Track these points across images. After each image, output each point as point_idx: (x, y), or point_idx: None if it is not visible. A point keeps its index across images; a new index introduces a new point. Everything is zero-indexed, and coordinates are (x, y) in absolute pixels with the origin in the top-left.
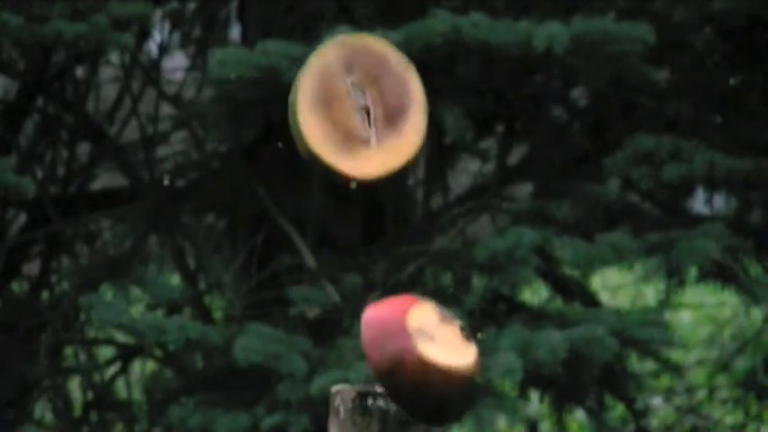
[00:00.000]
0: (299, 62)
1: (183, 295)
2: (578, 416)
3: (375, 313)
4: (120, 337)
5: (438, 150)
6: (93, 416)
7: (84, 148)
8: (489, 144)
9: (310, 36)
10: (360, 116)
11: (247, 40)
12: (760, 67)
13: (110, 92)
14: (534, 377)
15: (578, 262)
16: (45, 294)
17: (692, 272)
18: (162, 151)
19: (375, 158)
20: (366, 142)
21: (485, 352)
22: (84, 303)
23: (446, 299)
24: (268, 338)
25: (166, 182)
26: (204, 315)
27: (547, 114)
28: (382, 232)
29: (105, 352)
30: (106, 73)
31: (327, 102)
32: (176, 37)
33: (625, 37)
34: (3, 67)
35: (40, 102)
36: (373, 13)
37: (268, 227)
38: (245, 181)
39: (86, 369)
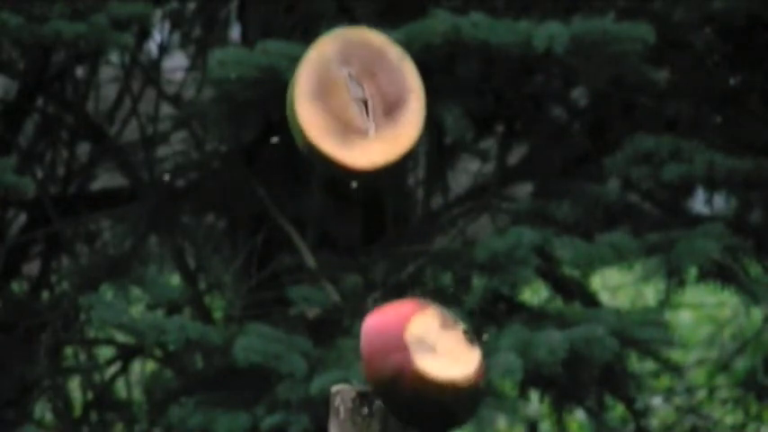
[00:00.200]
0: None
1: (183, 295)
2: (578, 416)
3: (374, 324)
4: (120, 337)
5: (438, 150)
6: (93, 416)
7: (84, 148)
8: (489, 144)
9: (310, 36)
10: (358, 108)
11: (247, 40)
12: (760, 67)
13: (110, 92)
14: (534, 377)
15: (578, 262)
16: (45, 294)
17: (692, 272)
18: (162, 151)
19: (373, 149)
20: (364, 133)
21: (486, 352)
22: (84, 303)
23: (446, 299)
24: (268, 338)
25: (166, 178)
26: (204, 315)
27: (547, 114)
28: (382, 232)
29: (105, 352)
30: (106, 73)
31: (325, 94)
32: (176, 37)
33: (625, 37)
34: (3, 67)
35: (40, 102)
36: (373, 13)
37: (268, 227)
38: (245, 181)
39: (86, 369)
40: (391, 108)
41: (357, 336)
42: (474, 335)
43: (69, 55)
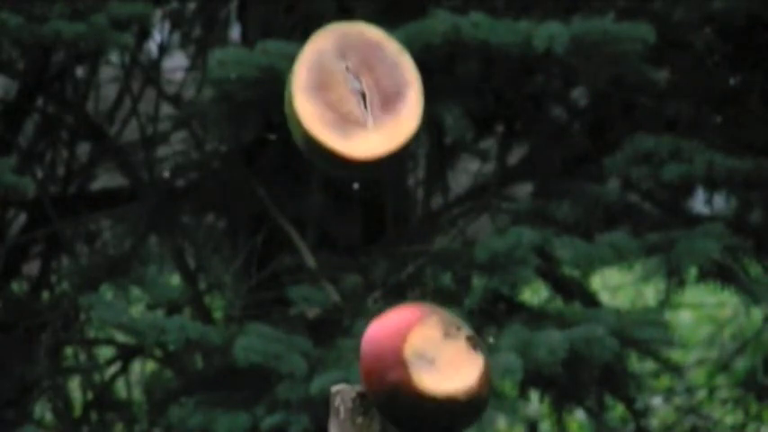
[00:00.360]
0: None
1: (183, 295)
2: (578, 416)
3: (373, 336)
4: (120, 337)
5: (438, 150)
6: (93, 416)
7: (84, 148)
8: (489, 144)
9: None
10: (356, 100)
11: (247, 40)
12: (760, 67)
13: (110, 92)
14: (534, 377)
15: (578, 262)
16: (45, 294)
17: (692, 272)
18: (162, 151)
19: (373, 140)
20: (363, 125)
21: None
22: (84, 303)
23: (446, 299)
24: (268, 338)
25: (166, 174)
26: (204, 315)
27: (547, 114)
28: (382, 232)
29: (105, 352)
30: (106, 73)
31: (323, 87)
32: (176, 37)
33: (625, 37)
34: (3, 67)
35: (40, 102)
36: (373, 13)
37: (268, 227)
38: (245, 181)
39: (86, 369)
40: (389, 101)
41: (357, 336)
42: (479, 340)
43: (69, 55)
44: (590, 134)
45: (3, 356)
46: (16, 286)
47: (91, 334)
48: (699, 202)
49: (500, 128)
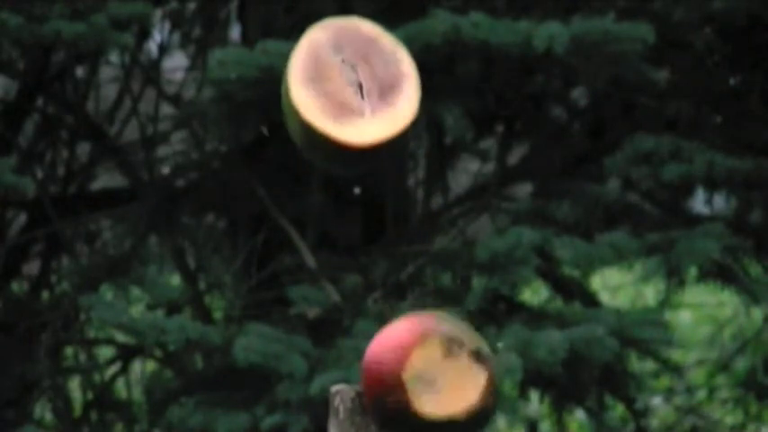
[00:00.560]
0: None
1: (183, 295)
2: (578, 416)
3: (374, 357)
4: (120, 337)
5: (438, 150)
6: (93, 416)
7: (84, 148)
8: (489, 144)
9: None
10: (352, 90)
11: (247, 40)
12: (760, 67)
13: (110, 92)
14: (534, 377)
15: (578, 262)
16: (45, 294)
17: (692, 272)
18: (162, 151)
19: (370, 127)
20: (360, 113)
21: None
22: (84, 303)
23: (446, 299)
24: (268, 338)
25: (166, 171)
26: (204, 315)
27: (547, 114)
28: (382, 232)
29: (105, 352)
30: (106, 73)
31: (319, 79)
32: (176, 37)
33: (625, 37)
34: (3, 67)
35: (40, 102)
36: (373, 13)
37: (268, 227)
38: (245, 181)
39: (86, 369)
40: (386, 91)
41: (357, 336)
42: (483, 350)
43: (69, 55)
44: (590, 134)
45: (3, 356)
46: (16, 286)
47: (91, 334)
48: (699, 202)
49: (500, 128)
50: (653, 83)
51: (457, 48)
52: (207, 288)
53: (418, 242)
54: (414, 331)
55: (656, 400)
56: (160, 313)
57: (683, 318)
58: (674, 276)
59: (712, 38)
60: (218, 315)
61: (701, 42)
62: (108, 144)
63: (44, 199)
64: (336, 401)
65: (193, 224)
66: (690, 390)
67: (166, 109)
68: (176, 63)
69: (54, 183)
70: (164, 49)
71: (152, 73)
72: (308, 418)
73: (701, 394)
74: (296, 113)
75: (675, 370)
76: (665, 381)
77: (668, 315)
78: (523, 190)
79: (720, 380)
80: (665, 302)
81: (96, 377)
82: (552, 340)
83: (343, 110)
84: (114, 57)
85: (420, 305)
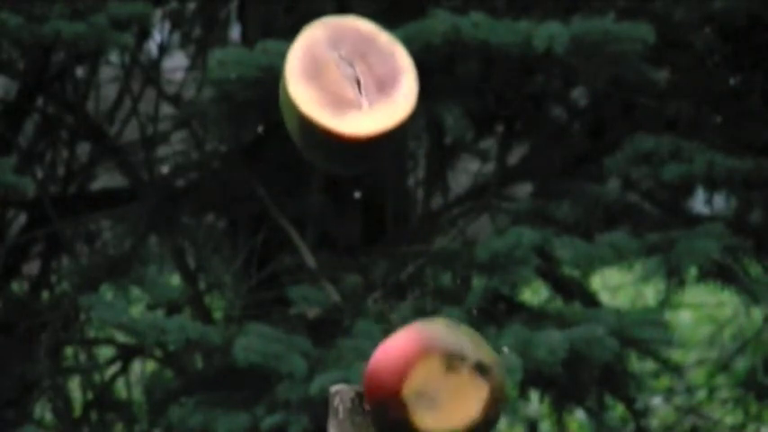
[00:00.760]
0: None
1: (182, 295)
2: (578, 416)
3: (376, 370)
4: (120, 337)
5: (438, 150)
6: (93, 416)
7: (84, 148)
8: (489, 144)
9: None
10: (350, 85)
11: (247, 40)
12: (760, 67)
13: (110, 92)
14: (534, 377)
15: (578, 262)
16: (45, 294)
17: (692, 272)
18: (162, 151)
19: (368, 119)
20: (358, 106)
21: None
22: (84, 303)
23: (446, 299)
24: (268, 338)
25: (166, 170)
26: (204, 315)
27: (547, 114)
28: (382, 232)
29: (105, 352)
30: (106, 73)
31: (316, 74)
32: (176, 37)
33: (625, 37)
34: (3, 67)
35: (40, 102)
36: (373, 13)
37: (268, 227)
38: (245, 181)
39: (86, 369)
40: (384, 85)
41: (357, 336)
42: (486, 362)
43: (69, 55)
44: (590, 134)
45: (3, 356)
46: (16, 286)
47: (91, 334)
48: (699, 202)
49: (500, 128)
50: (653, 83)
51: (457, 48)
52: (207, 288)
53: (418, 242)
54: (415, 346)
55: (656, 400)
56: (160, 313)
57: (683, 318)
58: (674, 276)
59: (712, 38)
60: (218, 315)
61: (701, 42)
62: (108, 144)
63: (44, 199)
64: (336, 401)
65: (193, 224)
66: (690, 390)
67: (166, 109)
68: (176, 63)
69: (54, 183)
70: (164, 49)
71: (152, 73)
72: (308, 418)
73: (701, 394)
74: (294, 108)
75: (675, 370)
76: (665, 381)
77: (668, 315)
78: (523, 190)
79: (720, 380)
80: (665, 302)
81: (96, 377)
82: (552, 340)
83: (340, 103)
84: (114, 57)
85: (420, 305)
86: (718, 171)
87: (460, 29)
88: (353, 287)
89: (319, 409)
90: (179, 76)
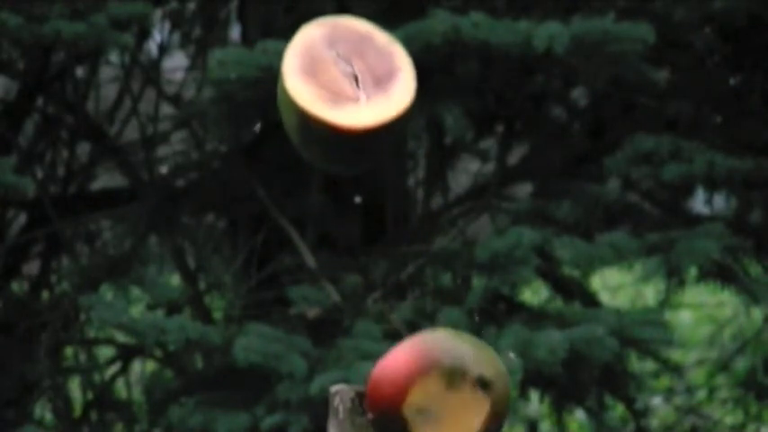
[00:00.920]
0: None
1: (182, 295)
2: (578, 416)
3: (377, 383)
4: (120, 337)
5: (438, 150)
6: (93, 416)
7: (84, 148)
8: (489, 144)
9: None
10: (348, 81)
11: (247, 40)
12: (760, 67)
13: (110, 92)
14: (534, 377)
15: (578, 262)
16: (45, 294)
17: (692, 272)
18: (162, 151)
19: (366, 112)
20: (356, 101)
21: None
22: (84, 303)
23: (446, 299)
24: (268, 338)
25: (166, 170)
26: (204, 315)
27: (547, 114)
28: (382, 232)
29: (105, 352)
30: (106, 73)
31: (314, 71)
32: (176, 37)
33: (625, 37)
34: (3, 67)
35: (40, 102)
36: (373, 13)
37: (268, 227)
38: (245, 181)
39: (86, 369)
40: (382, 82)
41: (357, 336)
42: (487, 377)
43: (69, 55)
44: (590, 134)
45: (3, 356)
46: (16, 286)
47: (91, 334)
48: (699, 202)
49: (500, 128)
50: (653, 83)
51: (457, 48)
52: (207, 288)
53: (418, 242)
54: (415, 364)
55: (656, 400)
56: (160, 313)
57: (683, 318)
58: (674, 276)
59: (712, 38)
60: (218, 315)
61: (701, 42)
62: (108, 144)
63: (44, 199)
64: (336, 401)
65: (193, 224)
66: (690, 390)
67: (166, 109)
68: (176, 63)
69: (54, 183)
70: (164, 49)
71: (152, 73)
72: (308, 418)
73: (701, 394)
74: (291, 104)
75: (675, 370)
76: (665, 381)
77: (668, 315)
78: (523, 190)
79: (720, 380)
80: (665, 302)
81: (96, 377)
82: (552, 340)
83: (338, 97)
84: (114, 57)
85: (420, 305)
86: (718, 171)
87: (460, 29)
88: (353, 287)
89: (319, 409)
90: (179, 76)
